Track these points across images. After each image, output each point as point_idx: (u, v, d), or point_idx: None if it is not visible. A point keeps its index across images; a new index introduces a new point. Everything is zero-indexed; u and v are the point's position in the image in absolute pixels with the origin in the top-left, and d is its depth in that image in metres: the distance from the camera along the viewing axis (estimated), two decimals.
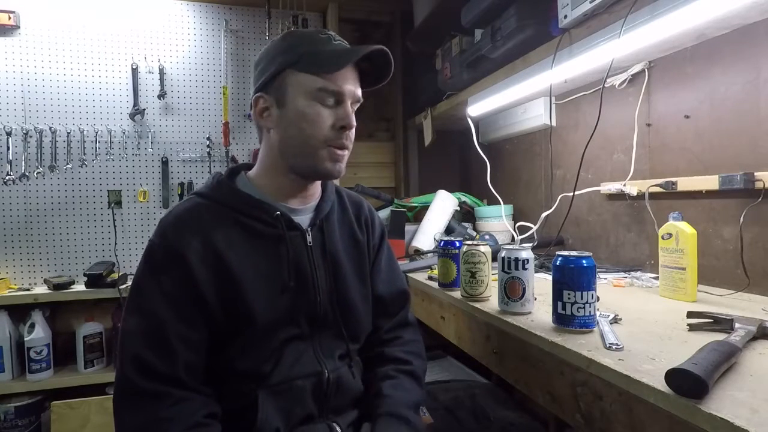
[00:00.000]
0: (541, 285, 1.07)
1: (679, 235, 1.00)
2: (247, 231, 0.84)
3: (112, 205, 2.14)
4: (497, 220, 1.90)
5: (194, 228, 0.81)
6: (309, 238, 0.89)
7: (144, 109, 2.17)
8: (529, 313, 0.93)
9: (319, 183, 0.95)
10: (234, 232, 0.83)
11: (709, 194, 1.14)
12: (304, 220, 0.91)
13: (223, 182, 0.88)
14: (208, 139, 2.25)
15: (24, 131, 2.02)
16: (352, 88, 0.85)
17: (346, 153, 0.88)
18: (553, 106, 1.74)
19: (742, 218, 1.05)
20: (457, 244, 1.14)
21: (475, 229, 1.97)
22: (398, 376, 0.94)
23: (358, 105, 0.89)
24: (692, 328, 0.80)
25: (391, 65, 0.87)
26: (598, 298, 0.82)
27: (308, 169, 0.87)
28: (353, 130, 0.89)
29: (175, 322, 0.77)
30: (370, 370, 0.97)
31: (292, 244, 0.86)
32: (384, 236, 1.07)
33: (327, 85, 0.82)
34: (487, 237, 1.77)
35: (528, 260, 0.91)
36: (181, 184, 2.23)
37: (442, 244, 1.18)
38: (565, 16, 1.19)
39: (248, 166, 0.96)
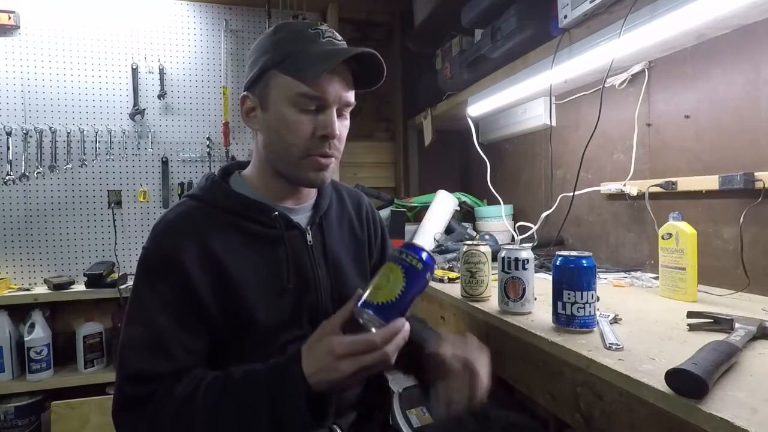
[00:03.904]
0: (541, 285, 1.07)
1: (679, 235, 1.00)
2: (244, 233, 0.82)
3: (112, 205, 2.14)
4: (497, 220, 1.90)
5: (189, 232, 0.78)
6: (309, 237, 0.87)
7: (144, 109, 2.17)
8: (529, 313, 0.93)
9: None
10: (230, 235, 0.81)
11: (709, 194, 1.14)
12: (302, 219, 0.88)
13: (216, 183, 0.85)
14: (208, 139, 2.25)
15: (24, 131, 2.02)
16: (339, 92, 0.79)
17: (332, 161, 0.83)
18: (553, 106, 1.74)
19: (742, 218, 1.05)
20: (424, 255, 0.69)
21: (475, 229, 1.97)
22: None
23: (349, 108, 0.84)
24: (692, 328, 0.80)
25: (382, 68, 0.81)
26: (598, 298, 0.82)
27: (291, 177, 0.84)
28: (344, 135, 0.84)
29: (174, 329, 0.74)
30: None
31: (291, 245, 0.84)
32: (385, 232, 1.06)
33: (308, 91, 0.77)
34: (487, 237, 1.77)
35: (528, 260, 0.91)
36: (181, 184, 2.23)
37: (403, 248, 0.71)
38: (565, 16, 1.19)
39: (242, 164, 0.93)
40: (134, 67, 2.15)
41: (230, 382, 0.71)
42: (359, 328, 0.69)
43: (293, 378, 0.67)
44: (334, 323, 0.69)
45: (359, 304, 0.68)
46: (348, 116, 0.86)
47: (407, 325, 0.67)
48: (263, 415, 0.67)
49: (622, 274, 1.30)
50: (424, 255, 0.69)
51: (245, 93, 0.85)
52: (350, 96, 0.83)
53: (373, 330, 0.67)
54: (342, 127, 0.83)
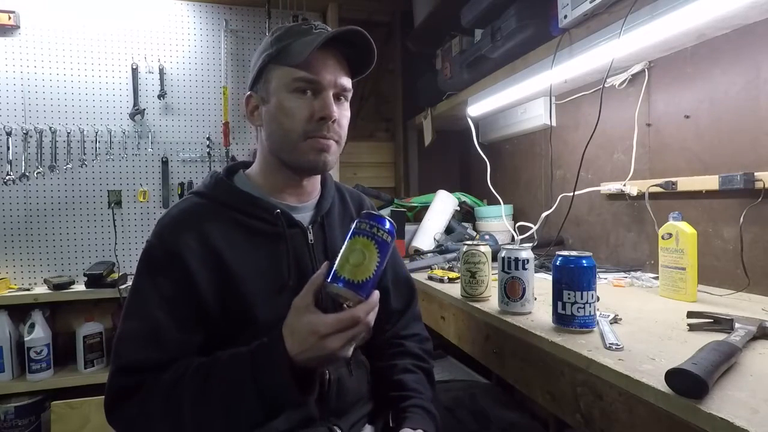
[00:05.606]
0: (541, 285, 1.07)
1: (679, 235, 1.00)
2: (247, 230, 0.83)
3: (112, 205, 2.14)
4: (497, 220, 1.90)
5: (191, 228, 0.80)
6: (310, 236, 0.88)
7: (144, 109, 2.16)
8: (529, 313, 0.93)
9: (316, 179, 0.93)
10: (233, 231, 0.82)
11: (709, 194, 1.14)
12: (304, 217, 0.90)
13: (221, 180, 0.87)
14: (208, 139, 2.25)
15: (24, 131, 2.02)
16: (332, 76, 0.82)
17: (332, 144, 0.84)
18: (553, 106, 1.74)
19: (742, 218, 1.05)
20: (388, 225, 0.71)
21: (475, 229, 1.97)
22: (418, 372, 0.95)
23: (347, 94, 0.86)
24: (692, 328, 0.80)
25: (371, 47, 0.83)
26: (598, 298, 0.82)
27: (294, 164, 0.85)
28: (344, 122, 0.86)
29: (171, 325, 0.76)
30: (386, 360, 0.96)
31: (292, 242, 0.85)
32: None
33: (303, 75, 0.80)
34: (487, 237, 1.77)
35: (528, 260, 0.91)
36: (181, 184, 2.23)
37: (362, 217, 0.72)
38: (565, 16, 1.19)
39: (246, 164, 0.95)
40: (134, 67, 2.15)
41: (216, 363, 0.73)
42: (328, 299, 0.72)
43: (276, 352, 0.69)
44: (308, 300, 0.70)
45: (331, 279, 0.69)
46: (347, 105, 0.88)
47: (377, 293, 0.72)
48: (249, 390, 0.69)
49: (622, 274, 1.30)
50: (388, 225, 0.72)
51: (249, 93, 0.89)
52: (346, 81, 0.85)
53: (346, 305, 0.70)
54: (341, 114, 0.85)
